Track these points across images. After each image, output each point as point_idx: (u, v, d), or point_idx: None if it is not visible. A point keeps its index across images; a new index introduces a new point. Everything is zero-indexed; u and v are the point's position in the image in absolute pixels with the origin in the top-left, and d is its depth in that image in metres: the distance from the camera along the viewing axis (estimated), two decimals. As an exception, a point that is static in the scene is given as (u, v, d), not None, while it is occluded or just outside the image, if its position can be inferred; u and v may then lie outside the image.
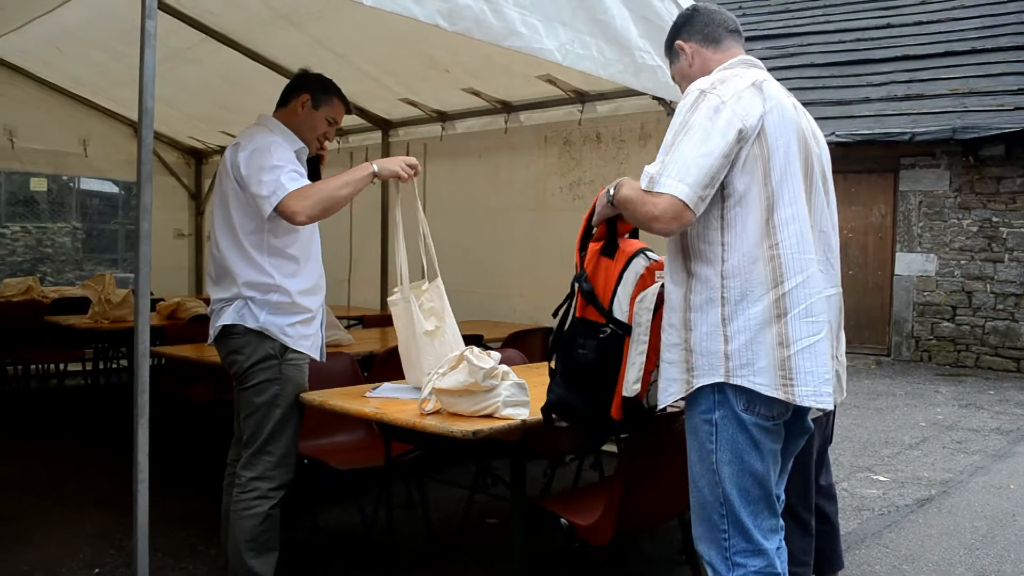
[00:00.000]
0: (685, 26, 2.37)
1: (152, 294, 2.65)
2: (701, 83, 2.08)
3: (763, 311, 1.98)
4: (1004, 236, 9.87)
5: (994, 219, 9.92)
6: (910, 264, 10.47)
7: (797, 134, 2.06)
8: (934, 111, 10.43)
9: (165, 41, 3.86)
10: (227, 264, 2.96)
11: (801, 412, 2.12)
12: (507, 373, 2.63)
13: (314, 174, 3.16)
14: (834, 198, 2.25)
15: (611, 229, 2.39)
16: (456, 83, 5.38)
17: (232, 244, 2.96)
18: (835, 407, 2.31)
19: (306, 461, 3.32)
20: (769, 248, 1.99)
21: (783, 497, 2.38)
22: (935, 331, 10.34)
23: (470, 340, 3.56)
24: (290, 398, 2.98)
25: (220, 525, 3.11)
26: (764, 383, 1.98)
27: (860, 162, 10.66)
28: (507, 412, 2.58)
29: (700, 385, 2.05)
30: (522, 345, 4.63)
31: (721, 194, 2.01)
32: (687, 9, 2.44)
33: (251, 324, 2.93)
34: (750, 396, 2.00)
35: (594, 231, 2.41)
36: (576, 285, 2.39)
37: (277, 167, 2.85)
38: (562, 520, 2.76)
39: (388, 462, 3.31)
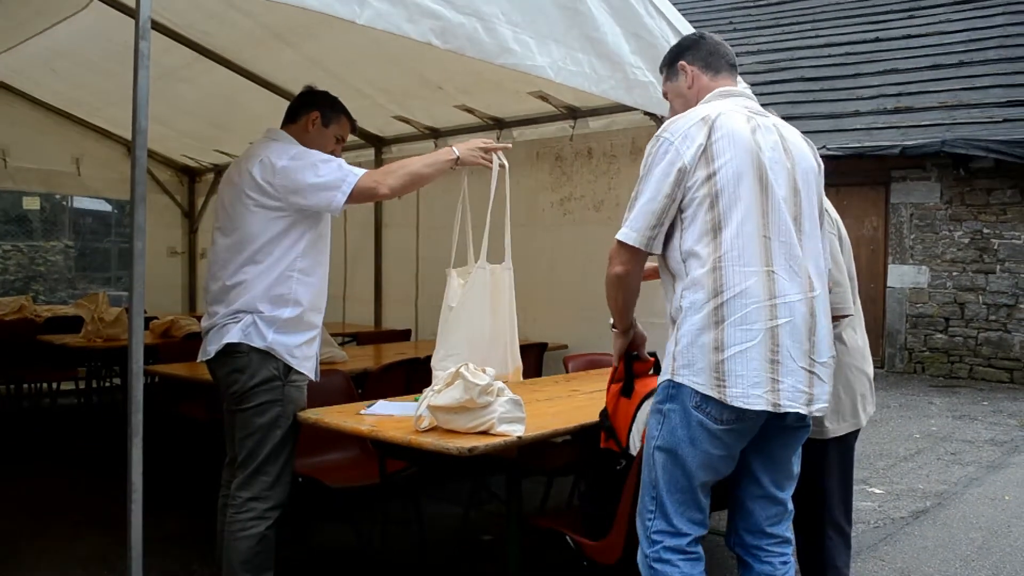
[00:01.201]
0: (691, 49, 2.57)
1: (145, 312, 2.64)
2: (663, 127, 2.33)
3: (703, 318, 2.18)
4: (995, 247, 9.91)
5: (985, 231, 9.97)
6: (902, 276, 10.51)
7: (751, 157, 2.23)
8: (923, 124, 10.50)
9: (159, 60, 3.87)
10: (240, 278, 2.91)
11: (780, 416, 2.20)
12: (502, 390, 2.63)
13: None
14: (809, 208, 2.34)
15: (628, 369, 2.61)
16: (448, 100, 5.40)
17: (248, 257, 2.91)
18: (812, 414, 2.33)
19: (300, 480, 3.31)
20: (714, 262, 2.19)
21: (790, 506, 2.43)
22: (928, 343, 10.37)
23: (464, 356, 3.56)
24: (290, 419, 2.96)
25: (214, 543, 3.10)
26: (701, 382, 2.17)
27: (851, 175, 10.70)
28: (503, 428, 2.58)
29: (660, 381, 2.30)
30: (516, 361, 4.62)
31: (680, 218, 2.27)
32: (694, 34, 2.65)
33: (257, 343, 2.89)
34: (703, 395, 2.17)
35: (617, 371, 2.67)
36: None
37: (328, 160, 2.90)
38: (568, 539, 2.76)
39: (383, 480, 3.30)
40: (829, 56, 12.85)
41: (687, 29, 4.19)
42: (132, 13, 2.38)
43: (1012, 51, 11.13)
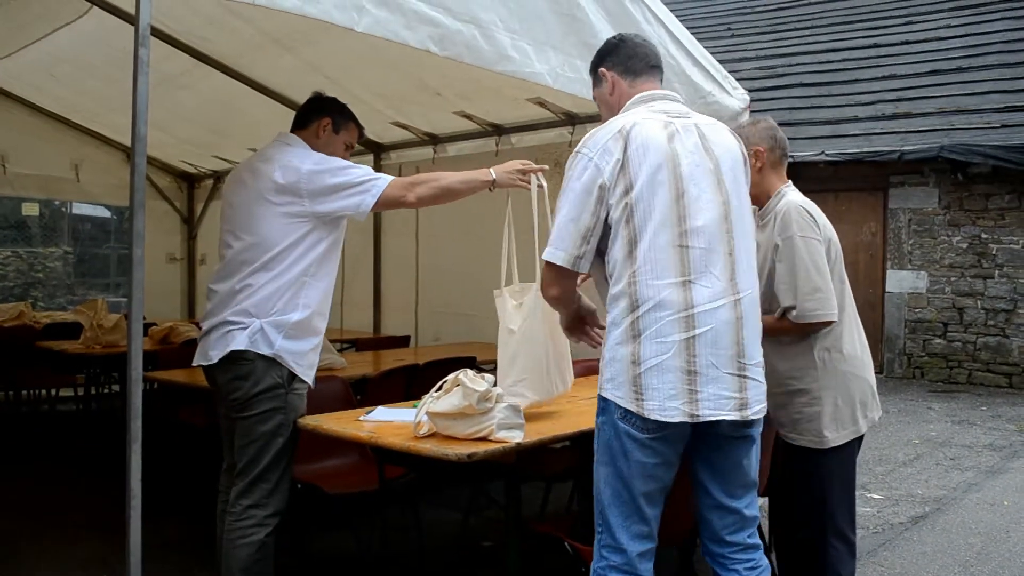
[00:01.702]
0: (611, 55, 2.53)
1: (144, 319, 2.63)
2: (582, 141, 2.31)
3: (622, 332, 2.21)
4: (993, 252, 9.92)
5: (983, 236, 9.98)
6: (901, 281, 10.52)
7: (667, 167, 2.22)
8: (922, 129, 10.52)
9: (158, 66, 3.88)
10: (251, 281, 2.89)
11: (712, 425, 2.20)
12: (501, 396, 2.64)
13: None
14: (738, 203, 2.31)
15: None
16: (447, 106, 5.41)
17: (263, 262, 2.89)
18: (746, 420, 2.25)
19: (299, 486, 3.30)
20: (629, 277, 2.21)
21: (749, 512, 2.35)
22: (927, 348, 10.38)
23: (464, 362, 3.57)
24: (291, 427, 2.95)
25: (214, 549, 3.09)
26: (622, 396, 2.20)
27: (850, 180, 10.72)
28: (501, 435, 2.58)
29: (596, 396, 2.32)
30: (515, 366, 4.62)
31: (611, 236, 2.26)
32: (614, 37, 2.60)
33: (264, 351, 2.87)
34: (625, 408, 2.19)
35: None
36: None
37: (353, 165, 2.94)
38: (567, 545, 2.76)
39: (382, 485, 3.30)
40: (828, 62, 12.87)
41: (685, 35, 4.21)
42: (131, 20, 2.38)
43: (1011, 57, 11.16)
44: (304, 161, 2.92)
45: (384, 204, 2.93)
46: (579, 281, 2.46)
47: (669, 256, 2.18)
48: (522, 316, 3.10)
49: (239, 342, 2.86)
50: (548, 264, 2.31)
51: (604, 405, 2.25)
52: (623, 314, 2.21)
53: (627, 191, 2.21)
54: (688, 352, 2.15)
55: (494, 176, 3.02)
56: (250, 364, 2.87)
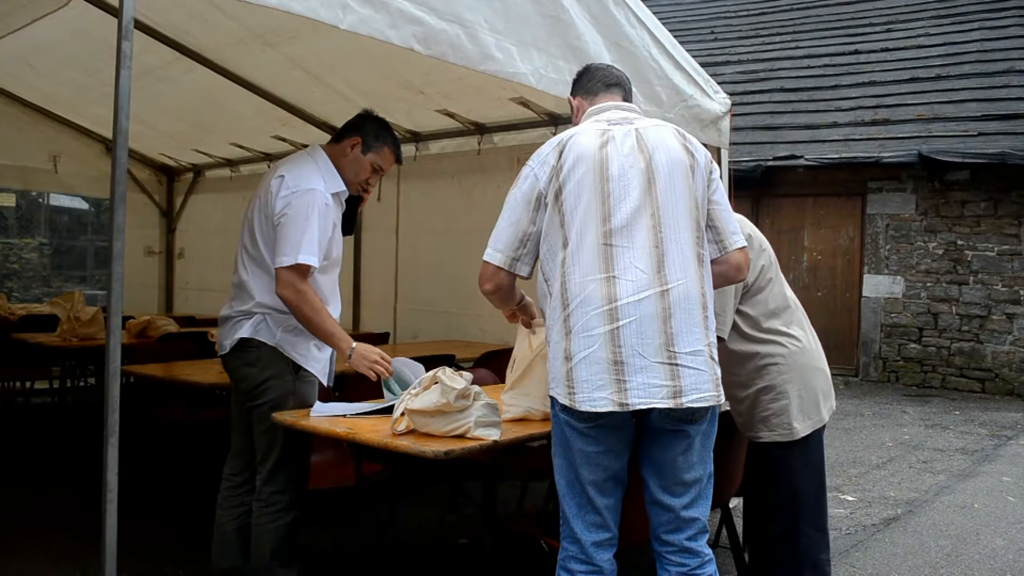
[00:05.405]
0: (576, 83, 2.75)
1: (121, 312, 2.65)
2: (533, 154, 2.46)
3: (558, 331, 2.32)
4: (969, 259, 10.03)
5: (959, 242, 10.09)
6: (877, 286, 10.62)
7: (595, 172, 2.34)
8: (900, 136, 10.62)
9: (139, 58, 3.85)
10: (247, 282, 3.03)
11: (642, 415, 2.26)
12: (479, 394, 2.64)
13: (351, 213, 3.26)
14: (672, 197, 2.34)
15: None
16: (430, 104, 5.41)
17: (256, 264, 3.02)
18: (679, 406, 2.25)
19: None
20: (560, 277, 2.32)
21: (686, 514, 2.34)
22: (902, 352, 10.48)
23: (442, 360, 3.58)
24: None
25: (186, 546, 3.10)
26: (559, 392, 2.30)
27: (829, 185, 10.82)
28: (479, 432, 2.59)
29: None
30: (494, 365, 4.64)
31: (547, 240, 2.39)
32: (581, 68, 2.77)
33: (267, 340, 2.99)
34: (562, 403, 2.30)
35: None
36: None
37: (306, 227, 2.89)
38: (543, 543, 2.78)
39: (359, 482, 3.30)
40: (809, 67, 12.96)
41: (667, 39, 4.23)
42: (114, 12, 2.37)
43: (988, 66, 11.28)
44: (288, 186, 2.95)
45: (281, 271, 2.90)
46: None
47: (595, 254, 2.28)
48: (540, 340, 3.16)
49: (245, 331, 3.01)
50: (485, 263, 2.45)
51: (551, 402, 2.37)
52: (557, 313, 2.32)
53: (558, 196, 2.34)
54: (613, 343, 2.23)
55: (349, 354, 2.98)
56: (256, 351, 3.01)
